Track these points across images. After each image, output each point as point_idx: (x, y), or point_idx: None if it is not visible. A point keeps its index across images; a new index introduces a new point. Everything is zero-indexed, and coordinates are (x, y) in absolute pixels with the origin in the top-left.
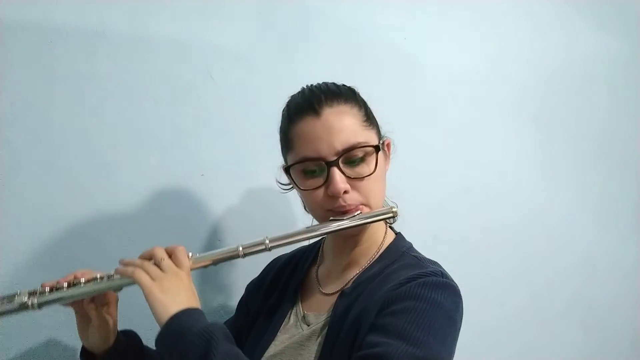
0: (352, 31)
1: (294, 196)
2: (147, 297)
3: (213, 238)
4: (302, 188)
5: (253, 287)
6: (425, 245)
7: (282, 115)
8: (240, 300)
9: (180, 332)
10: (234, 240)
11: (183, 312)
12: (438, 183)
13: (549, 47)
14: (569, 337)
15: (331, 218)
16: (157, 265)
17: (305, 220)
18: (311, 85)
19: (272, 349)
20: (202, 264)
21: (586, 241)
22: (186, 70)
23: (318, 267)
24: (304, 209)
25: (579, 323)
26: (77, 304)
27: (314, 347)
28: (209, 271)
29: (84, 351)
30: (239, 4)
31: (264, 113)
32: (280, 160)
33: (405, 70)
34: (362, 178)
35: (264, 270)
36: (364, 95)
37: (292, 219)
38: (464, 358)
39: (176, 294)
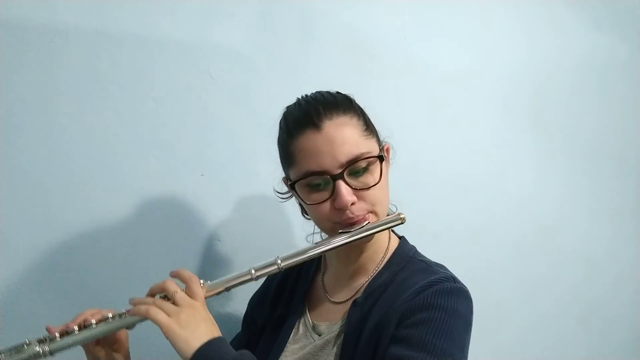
0: (351, 31)
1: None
2: (167, 335)
3: (213, 238)
4: (308, 202)
5: (257, 300)
6: (425, 245)
7: (280, 128)
8: (245, 315)
9: None
10: (234, 241)
11: (207, 344)
12: (437, 182)
13: (545, 47)
14: (567, 332)
15: (340, 231)
16: (171, 299)
17: (304, 220)
18: (306, 96)
19: None
20: (216, 291)
21: (582, 237)
22: (186, 70)
23: (323, 274)
24: (302, 216)
25: (576, 318)
26: (87, 345)
27: (328, 358)
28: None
29: None
30: (240, 4)
31: (265, 113)
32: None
33: (404, 70)
34: (367, 188)
35: (265, 281)
36: (363, 96)
37: (293, 218)
38: None
39: (196, 326)
